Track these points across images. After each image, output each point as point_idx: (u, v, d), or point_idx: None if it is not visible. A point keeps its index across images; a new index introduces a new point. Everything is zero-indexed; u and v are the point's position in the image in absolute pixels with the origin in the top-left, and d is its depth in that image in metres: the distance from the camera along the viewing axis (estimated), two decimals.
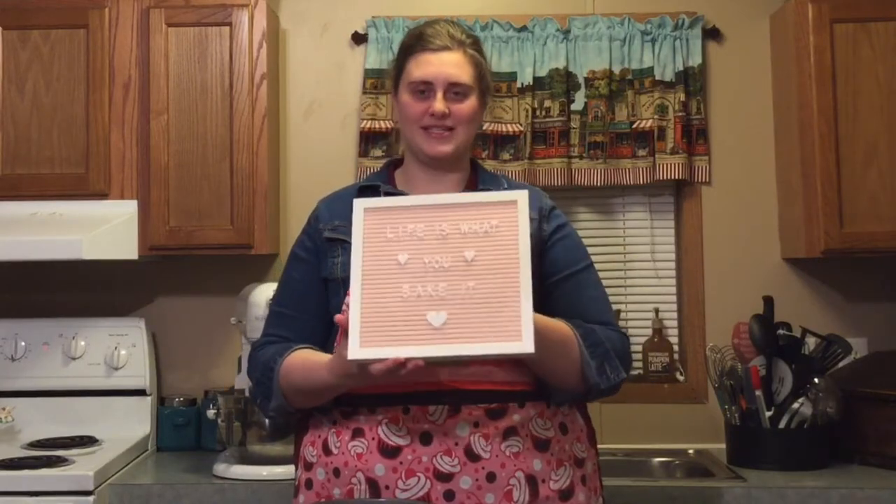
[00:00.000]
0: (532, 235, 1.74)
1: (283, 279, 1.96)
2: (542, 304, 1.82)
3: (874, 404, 2.55)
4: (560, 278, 1.88)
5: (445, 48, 1.88)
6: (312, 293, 1.89)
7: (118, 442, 2.70)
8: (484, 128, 2.90)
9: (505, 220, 1.61)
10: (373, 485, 1.73)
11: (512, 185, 1.98)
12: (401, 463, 1.72)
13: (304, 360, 1.80)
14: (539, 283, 1.84)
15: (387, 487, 1.72)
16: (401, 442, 1.73)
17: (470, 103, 1.89)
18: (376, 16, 3.02)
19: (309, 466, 1.85)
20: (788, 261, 2.99)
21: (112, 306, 3.01)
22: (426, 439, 1.73)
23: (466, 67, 1.88)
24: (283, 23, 3.08)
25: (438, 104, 1.86)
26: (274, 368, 1.82)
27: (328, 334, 1.87)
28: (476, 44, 1.93)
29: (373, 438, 1.75)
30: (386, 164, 2.04)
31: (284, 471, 2.46)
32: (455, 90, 1.87)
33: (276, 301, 1.96)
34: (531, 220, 1.82)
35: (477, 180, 1.97)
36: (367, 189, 1.94)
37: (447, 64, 1.87)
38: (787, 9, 2.85)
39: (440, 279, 1.58)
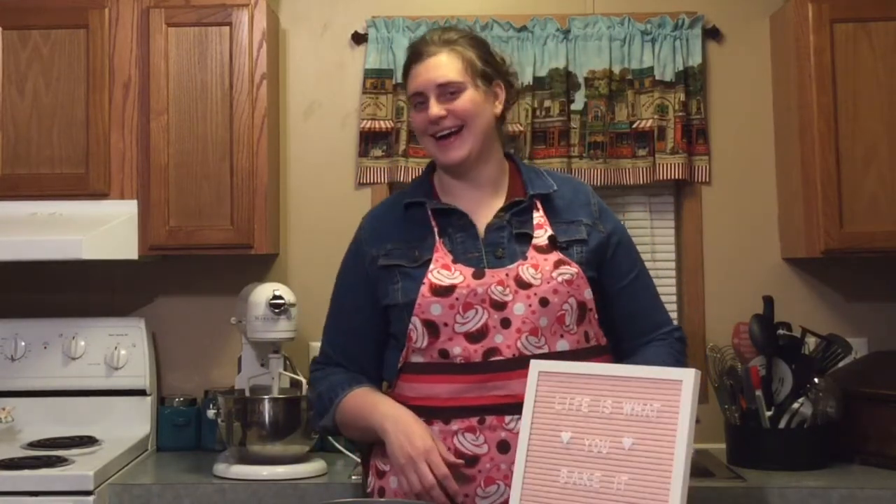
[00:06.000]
0: (595, 247, 1.87)
1: (335, 305, 2.00)
2: (610, 309, 1.90)
3: (874, 404, 2.55)
4: (622, 287, 1.92)
5: (430, 55, 1.89)
6: (366, 324, 1.93)
7: (118, 442, 2.69)
8: None
9: (667, 403, 1.56)
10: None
11: (555, 178, 1.96)
12: (479, 471, 1.75)
13: (362, 406, 1.86)
14: (602, 290, 1.90)
15: (467, 496, 1.75)
16: (479, 451, 1.76)
17: (466, 97, 1.86)
18: (376, 16, 3.02)
19: (381, 475, 1.87)
20: (788, 261, 2.99)
21: (112, 306, 3.01)
22: (504, 448, 1.76)
23: (452, 64, 1.87)
24: (283, 23, 3.08)
25: (432, 109, 1.87)
26: (334, 400, 1.90)
27: (382, 355, 1.92)
28: (465, 39, 1.91)
29: (448, 448, 1.76)
30: (426, 170, 2.02)
31: (285, 471, 2.46)
32: (448, 90, 1.86)
33: (330, 325, 2.00)
34: (586, 225, 1.89)
35: (522, 179, 1.95)
36: (413, 205, 1.93)
37: (432, 68, 1.88)
38: (787, 9, 2.85)
39: (596, 467, 1.55)
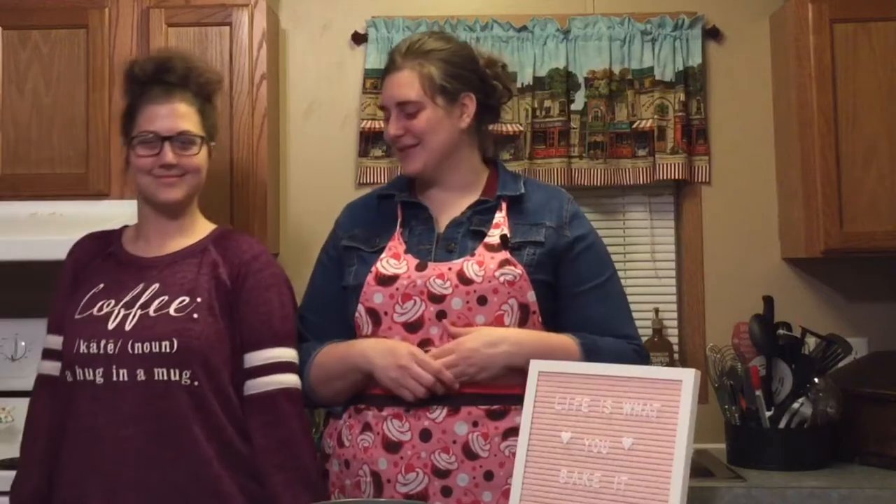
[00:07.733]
0: (551, 250, 1.86)
1: (309, 283, 2.05)
2: (565, 314, 1.90)
3: (874, 404, 2.55)
4: (580, 291, 1.90)
5: (396, 69, 1.92)
6: (334, 301, 1.96)
7: None
8: None
9: (667, 403, 1.56)
10: (376, 477, 1.79)
11: (529, 185, 1.97)
12: (401, 458, 1.79)
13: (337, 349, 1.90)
14: (560, 293, 1.90)
15: (388, 481, 1.78)
16: (402, 438, 1.79)
17: (423, 117, 1.89)
18: (376, 16, 3.02)
19: (326, 458, 1.92)
20: (788, 261, 2.99)
21: None
22: (426, 436, 1.78)
23: (412, 83, 1.89)
24: (283, 23, 3.08)
25: (390, 128, 1.92)
26: (307, 361, 1.92)
27: (349, 338, 1.93)
28: (434, 51, 1.90)
29: (378, 433, 1.81)
30: None
31: None
32: (405, 110, 1.89)
33: (303, 304, 2.04)
34: (549, 228, 1.88)
35: (497, 183, 1.96)
36: (385, 198, 1.99)
37: (393, 86, 1.92)
38: (787, 9, 2.86)
39: (597, 467, 1.56)
